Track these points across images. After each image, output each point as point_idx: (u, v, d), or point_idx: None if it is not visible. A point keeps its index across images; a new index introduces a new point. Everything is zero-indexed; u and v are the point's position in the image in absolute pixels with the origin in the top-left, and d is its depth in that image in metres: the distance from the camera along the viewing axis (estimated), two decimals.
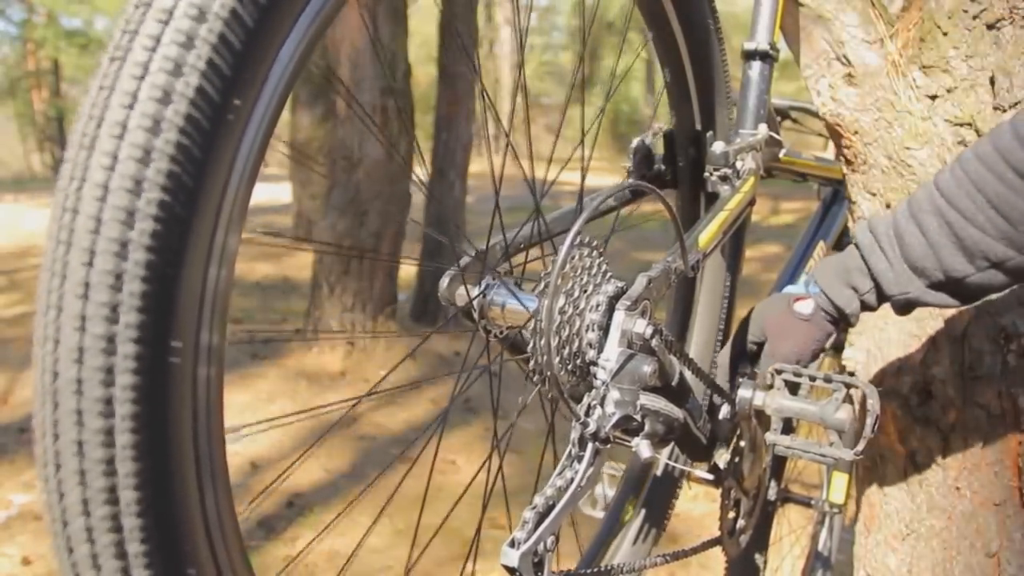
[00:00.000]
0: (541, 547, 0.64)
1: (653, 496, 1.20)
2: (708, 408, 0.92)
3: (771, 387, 0.86)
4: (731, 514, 1.13)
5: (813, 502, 1.70)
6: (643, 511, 1.18)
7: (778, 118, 1.79)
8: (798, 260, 1.62)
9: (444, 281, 0.80)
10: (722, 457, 0.99)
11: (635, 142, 1.08)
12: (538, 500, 0.66)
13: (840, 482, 1.68)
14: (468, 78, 5.65)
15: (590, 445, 0.68)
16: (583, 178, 0.87)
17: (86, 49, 22.67)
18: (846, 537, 1.74)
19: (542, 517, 0.65)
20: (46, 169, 23.20)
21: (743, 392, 0.89)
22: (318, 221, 4.91)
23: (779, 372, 0.84)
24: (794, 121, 1.80)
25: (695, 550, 1.07)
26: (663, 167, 1.11)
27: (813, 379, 0.83)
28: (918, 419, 1.09)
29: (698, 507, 2.93)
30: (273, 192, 12.19)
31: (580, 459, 0.68)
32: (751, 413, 0.89)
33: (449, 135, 5.59)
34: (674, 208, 0.88)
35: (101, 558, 0.48)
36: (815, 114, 1.36)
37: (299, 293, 5.97)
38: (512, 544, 0.64)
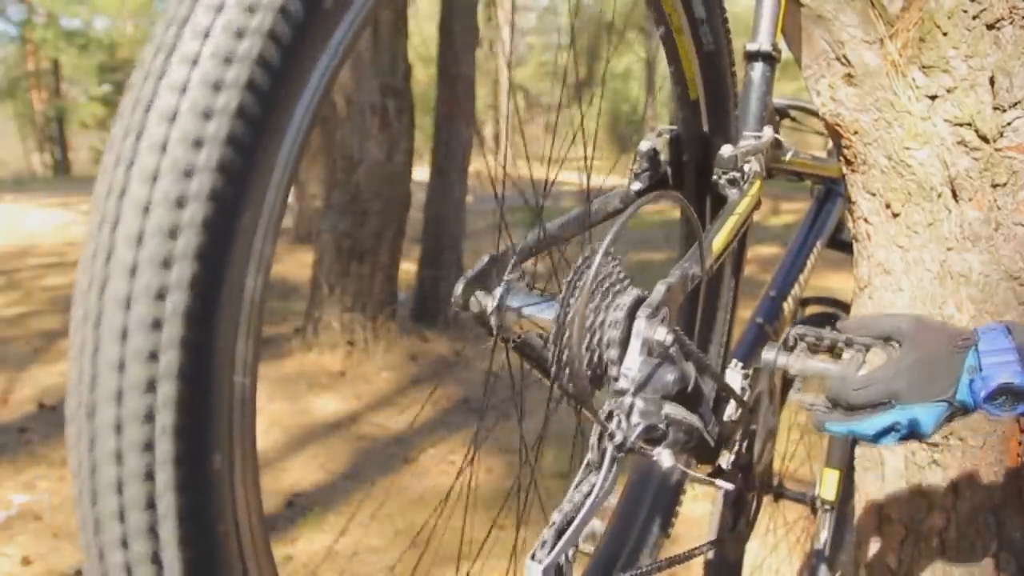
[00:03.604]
0: (563, 560, 0.64)
1: (659, 499, 1.19)
2: (714, 408, 0.92)
3: (793, 349, 0.89)
4: (734, 514, 1.13)
5: (806, 498, 1.71)
6: (649, 515, 1.18)
7: (777, 117, 1.79)
8: (793, 258, 1.62)
9: (458, 287, 0.79)
10: (727, 458, 0.99)
11: (642, 144, 1.08)
12: (555, 517, 0.66)
13: (831, 478, 1.69)
14: (468, 78, 5.66)
15: (608, 454, 0.68)
16: (588, 179, 0.87)
17: (86, 49, 22.68)
18: (846, 537, 1.74)
19: (562, 530, 0.65)
20: (46, 169, 23.21)
21: (767, 354, 0.90)
22: (318, 221, 4.91)
23: (802, 336, 0.89)
24: (793, 120, 1.80)
25: (701, 551, 1.06)
26: (668, 170, 1.11)
27: (835, 341, 0.87)
28: None
29: (698, 508, 2.93)
30: None
31: (598, 469, 0.68)
32: (773, 380, 0.91)
33: (449, 135, 5.59)
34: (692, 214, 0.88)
35: (135, 567, 0.48)
36: (814, 113, 1.36)
37: (299, 293, 5.97)
38: (534, 558, 0.63)
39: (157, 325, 0.45)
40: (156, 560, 0.48)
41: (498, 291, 0.79)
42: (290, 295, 6.29)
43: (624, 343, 0.71)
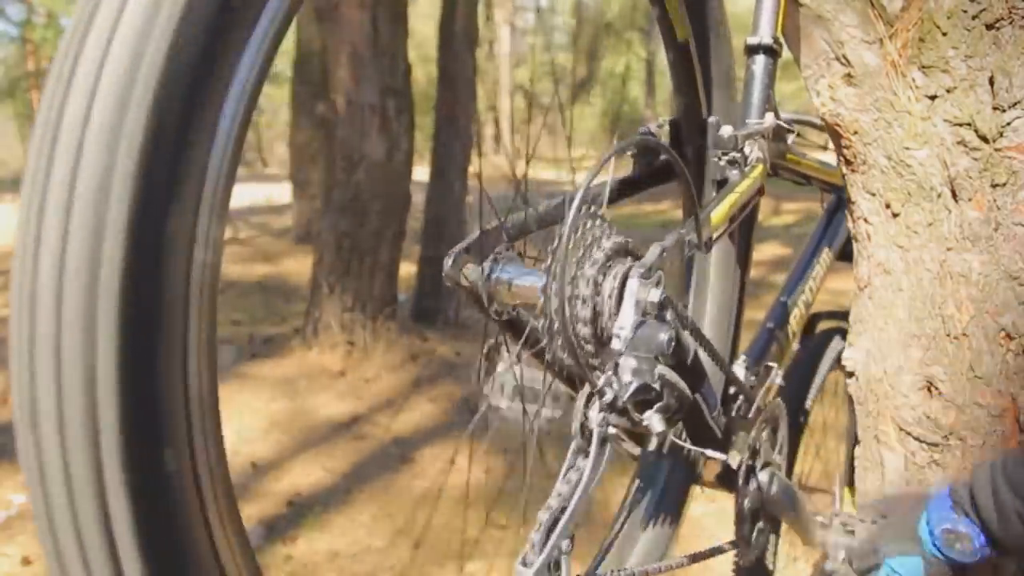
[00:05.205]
0: (556, 554, 0.62)
1: (665, 499, 1.19)
2: (723, 400, 0.91)
3: (831, 527, 1.11)
4: (747, 517, 1.12)
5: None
6: (656, 514, 1.17)
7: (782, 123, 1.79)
8: (804, 267, 1.63)
9: (448, 261, 0.77)
10: (736, 458, 0.98)
11: (641, 130, 1.08)
12: (542, 516, 0.64)
13: (849, 496, 1.70)
14: (468, 78, 5.65)
15: (595, 437, 0.65)
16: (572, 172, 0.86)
17: None
18: None
19: (550, 530, 0.63)
20: None
21: (821, 534, 1.12)
22: (318, 221, 4.90)
23: (836, 514, 1.11)
24: (796, 135, 1.81)
25: (711, 553, 1.05)
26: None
27: (863, 520, 1.08)
28: (918, 419, 1.09)
29: (703, 508, 2.93)
30: (273, 192, 12.18)
31: (586, 454, 0.66)
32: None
33: (449, 135, 5.59)
34: (687, 185, 0.87)
35: (92, 560, 0.47)
36: (817, 126, 1.36)
37: (299, 294, 5.98)
38: (524, 563, 0.62)
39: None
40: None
41: (487, 263, 0.77)
42: (290, 296, 6.29)
43: (617, 304, 0.69)
